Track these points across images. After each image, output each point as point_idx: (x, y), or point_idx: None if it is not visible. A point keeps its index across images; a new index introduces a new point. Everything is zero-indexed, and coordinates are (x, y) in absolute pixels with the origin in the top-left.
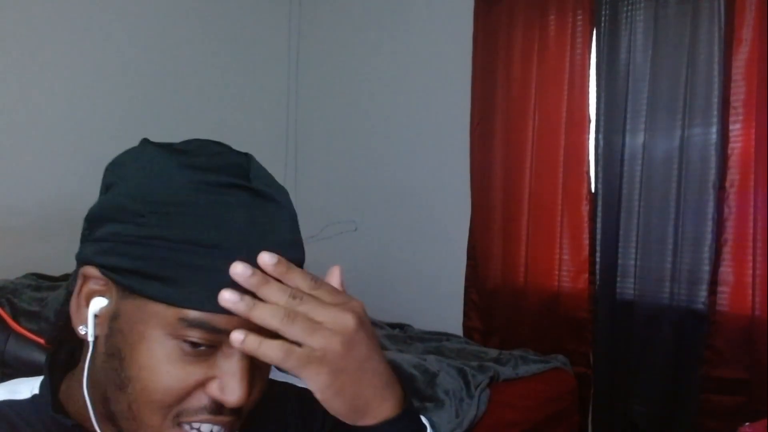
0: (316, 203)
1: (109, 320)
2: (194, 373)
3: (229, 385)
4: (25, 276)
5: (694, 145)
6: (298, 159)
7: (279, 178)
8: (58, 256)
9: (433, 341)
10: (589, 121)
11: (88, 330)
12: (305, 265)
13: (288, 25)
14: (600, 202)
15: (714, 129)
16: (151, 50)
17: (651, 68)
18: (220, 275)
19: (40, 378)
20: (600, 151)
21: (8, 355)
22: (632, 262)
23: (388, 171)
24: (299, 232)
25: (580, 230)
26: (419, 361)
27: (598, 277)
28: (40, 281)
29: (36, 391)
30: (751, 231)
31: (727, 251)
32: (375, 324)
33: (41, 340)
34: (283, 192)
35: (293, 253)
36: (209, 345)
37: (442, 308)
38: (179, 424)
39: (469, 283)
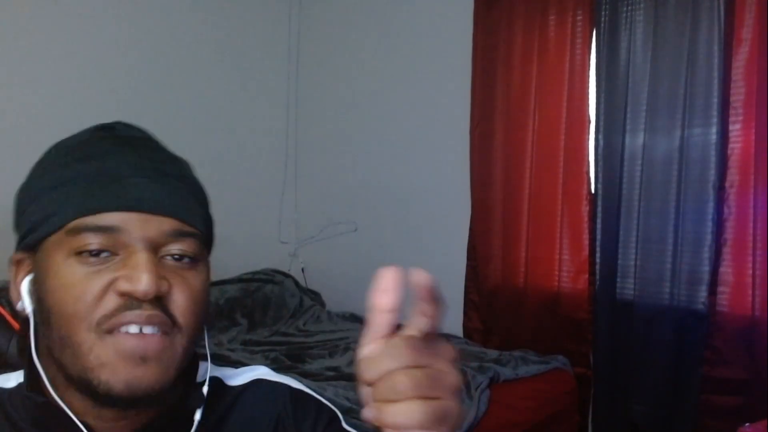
0: (316, 204)
1: (33, 286)
2: (100, 278)
3: (134, 275)
4: None
5: (694, 146)
6: (298, 159)
7: (279, 179)
8: None
9: None
10: (589, 121)
11: (24, 305)
12: (306, 267)
13: (288, 25)
14: (600, 203)
15: (714, 129)
16: (150, 50)
17: (651, 68)
18: (85, 183)
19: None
20: (600, 151)
21: (11, 357)
22: (632, 263)
23: (388, 171)
24: (183, 170)
25: (580, 230)
26: None
27: (598, 277)
28: None
29: (21, 379)
30: (751, 231)
31: (727, 251)
32: None
33: None
34: (149, 136)
35: (158, 182)
36: (107, 250)
37: None
38: (109, 332)
39: (469, 284)
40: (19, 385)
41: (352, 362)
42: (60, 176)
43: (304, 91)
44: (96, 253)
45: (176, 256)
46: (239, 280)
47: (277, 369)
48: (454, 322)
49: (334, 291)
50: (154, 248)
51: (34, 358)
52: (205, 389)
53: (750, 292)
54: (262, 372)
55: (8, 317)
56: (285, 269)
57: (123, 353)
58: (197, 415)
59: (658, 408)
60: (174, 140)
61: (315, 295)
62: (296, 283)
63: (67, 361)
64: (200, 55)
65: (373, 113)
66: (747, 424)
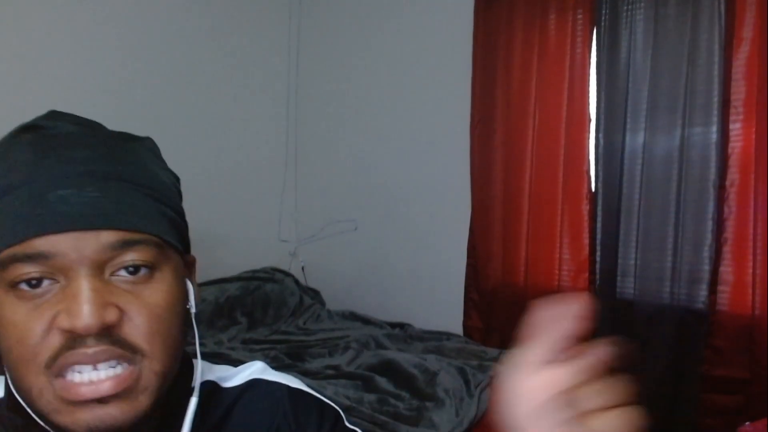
0: (316, 203)
1: None
2: (41, 316)
3: (73, 308)
4: None
5: (695, 145)
6: (298, 159)
7: (279, 178)
8: None
9: (433, 340)
10: (589, 121)
11: None
12: (306, 266)
13: (288, 25)
14: (600, 202)
15: (714, 128)
16: (150, 50)
17: (651, 67)
18: (8, 205)
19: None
20: (600, 150)
21: None
22: (632, 262)
23: (388, 170)
24: (115, 165)
25: (580, 230)
26: (419, 360)
27: (598, 276)
28: None
29: (1, 393)
30: (751, 230)
31: (727, 251)
32: (375, 323)
33: None
34: (86, 127)
35: (91, 184)
36: (44, 278)
37: (442, 308)
38: (58, 375)
39: (470, 283)
40: (1, 400)
41: (352, 361)
42: None
43: (304, 91)
44: (35, 283)
45: (130, 269)
46: (239, 278)
47: (277, 368)
48: (454, 320)
49: (334, 290)
50: (99, 267)
51: (14, 393)
52: (193, 400)
53: (750, 291)
54: (258, 369)
55: None
56: (285, 268)
57: (75, 400)
58: (185, 427)
59: (658, 408)
60: (174, 140)
61: (315, 294)
62: (296, 281)
63: (27, 402)
64: (200, 55)
65: (373, 113)
66: (747, 423)
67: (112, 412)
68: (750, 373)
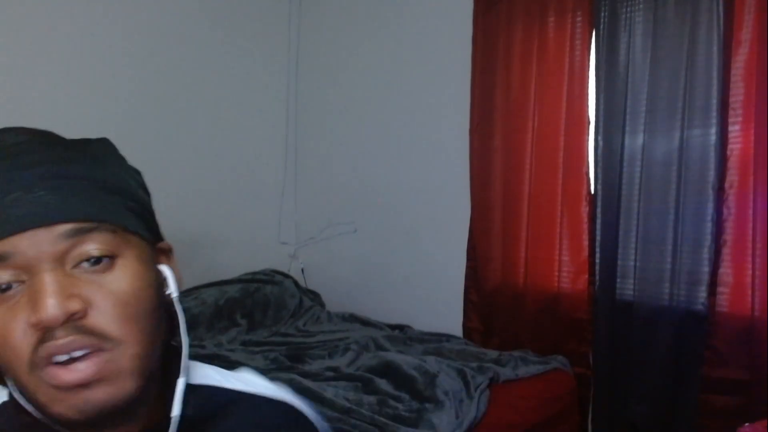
0: (316, 205)
1: None
2: (14, 318)
3: (37, 302)
4: None
5: (694, 146)
6: (298, 160)
7: (279, 179)
8: None
9: (433, 342)
10: (589, 122)
11: None
12: (306, 268)
13: (288, 25)
14: (599, 203)
15: (713, 130)
16: (150, 50)
17: (650, 69)
18: None
19: None
20: (599, 152)
21: None
22: (632, 263)
23: (388, 172)
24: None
25: (579, 231)
26: (419, 362)
27: (597, 278)
28: None
29: (5, 398)
30: (750, 232)
31: (727, 252)
32: (375, 325)
33: None
34: (32, 137)
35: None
36: (11, 281)
37: (442, 309)
38: (42, 369)
39: (469, 284)
40: (4, 404)
41: (351, 363)
42: None
43: (304, 91)
44: (5, 287)
45: (92, 260)
46: (239, 280)
47: (277, 369)
48: (453, 322)
49: (333, 291)
50: (59, 261)
51: (14, 393)
52: (178, 395)
53: (749, 292)
54: (251, 382)
55: None
56: (285, 270)
57: (59, 387)
58: (175, 406)
59: (657, 408)
60: (174, 141)
61: (315, 296)
62: (296, 283)
63: (29, 399)
64: (200, 56)
65: (373, 113)
66: (746, 425)
67: (98, 395)
68: (749, 375)
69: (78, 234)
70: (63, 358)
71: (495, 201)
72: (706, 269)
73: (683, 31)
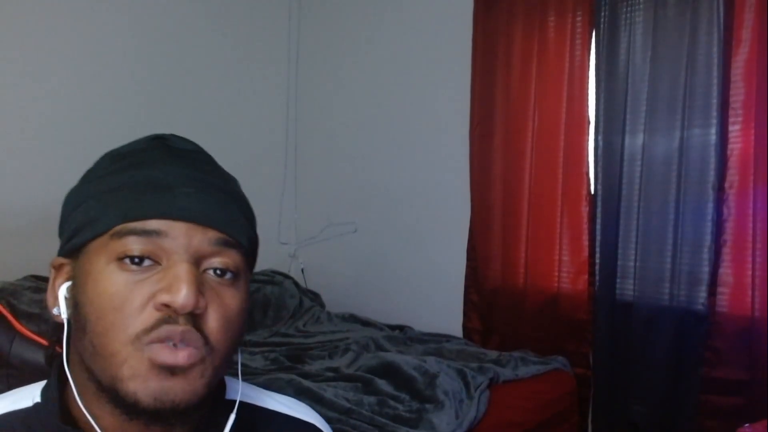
0: (316, 205)
1: (70, 292)
2: (141, 289)
3: (174, 285)
4: (25, 278)
5: (694, 146)
6: (298, 160)
7: (279, 179)
8: None
9: (433, 342)
10: (589, 122)
11: (60, 311)
12: (306, 268)
13: (288, 25)
14: (599, 203)
15: (713, 130)
16: (150, 50)
17: (650, 69)
18: (133, 190)
19: (41, 384)
20: (599, 151)
21: (14, 357)
22: (632, 263)
23: (388, 172)
24: (229, 184)
25: (579, 231)
26: (419, 362)
27: (597, 278)
28: (40, 283)
29: (38, 398)
30: (750, 232)
31: (727, 252)
32: (375, 326)
33: (46, 342)
34: (201, 149)
35: (208, 185)
36: (150, 258)
37: (442, 309)
38: (147, 345)
39: (469, 284)
40: (36, 406)
41: (351, 363)
42: (108, 183)
43: (304, 91)
44: (138, 261)
45: (218, 271)
46: None
47: (277, 369)
48: (453, 322)
49: (333, 292)
50: (197, 260)
51: (65, 367)
52: (235, 407)
53: (749, 292)
54: (282, 402)
55: (12, 319)
56: (285, 270)
57: (155, 364)
58: None
59: (657, 408)
60: None
61: (315, 296)
62: (296, 284)
63: (97, 369)
64: (200, 55)
65: (372, 114)
66: (746, 425)
67: (177, 387)
68: (749, 375)
69: (223, 245)
70: (170, 344)
71: (495, 201)
72: (706, 269)
73: (683, 31)
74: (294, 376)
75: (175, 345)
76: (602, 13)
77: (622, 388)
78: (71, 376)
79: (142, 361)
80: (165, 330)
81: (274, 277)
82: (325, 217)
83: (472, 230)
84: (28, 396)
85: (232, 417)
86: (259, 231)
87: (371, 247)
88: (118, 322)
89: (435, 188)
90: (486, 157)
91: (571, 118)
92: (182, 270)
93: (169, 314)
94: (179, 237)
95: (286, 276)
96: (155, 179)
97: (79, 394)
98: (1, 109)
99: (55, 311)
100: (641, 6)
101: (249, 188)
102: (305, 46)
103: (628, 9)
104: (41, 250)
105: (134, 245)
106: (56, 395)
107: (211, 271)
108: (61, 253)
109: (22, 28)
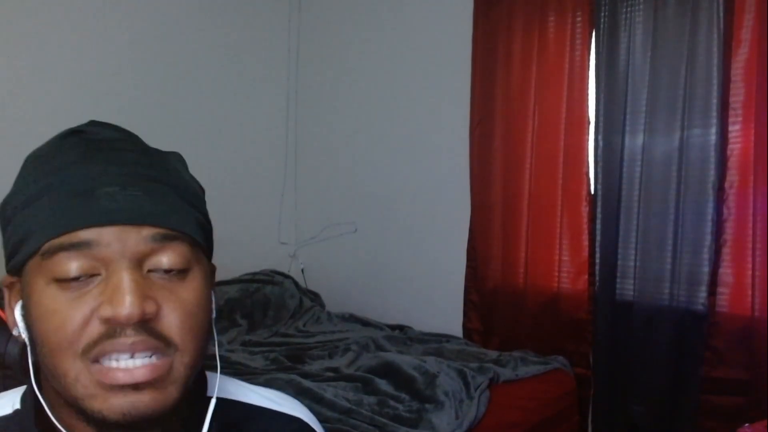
0: (316, 205)
1: (23, 310)
2: (82, 305)
3: (115, 297)
4: None
5: (694, 146)
6: (298, 160)
7: (279, 180)
8: None
9: (433, 342)
10: (589, 122)
11: (20, 331)
12: (306, 268)
13: (288, 25)
14: (599, 203)
15: (713, 130)
16: (150, 50)
17: (650, 69)
18: (55, 200)
19: (22, 390)
20: (599, 152)
21: (9, 357)
22: (632, 263)
23: (388, 172)
24: (157, 172)
25: (579, 231)
26: (419, 362)
27: (597, 278)
28: None
29: (17, 405)
30: (750, 232)
31: (727, 252)
32: (375, 325)
33: None
34: (126, 135)
35: (134, 185)
36: (87, 273)
37: (442, 309)
38: (95, 361)
39: (469, 284)
40: (16, 412)
41: (351, 363)
42: (30, 192)
43: (304, 91)
44: (75, 278)
45: (164, 269)
46: (239, 281)
47: (277, 369)
48: (453, 322)
49: (333, 292)
50: (138, 262)
51: (33, 385)
52: (211, 405)
53: (749, 292)
54: (266, 396)
55: (4, 317)
56: (285, 270)
57: (111, 385)
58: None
59: (657, 408)
60: (173, 141)
61: (315, 296)
62: (296, 283)
63: (59, 389)
64: (200, 55)
65: (373, 114)
66: (746, 425)
67: (145, 399)
68: (749, 375)
69: (163, 240)
70: (124, 359)
71: (495, 201)
72: (706, 269)
73: (683, 31)
74: (294, 376)
75: (132, 356)
76: (602, 13)
77: (622, 388)
78: (42, 391)
79: (94, 381)
80: (113, 345)
81: (274, 277)
82: (325, 217)
83: (472, 230)
84: (8, 403)
85: (209, 416)
86: (259, 231)
87: (371, 247)
88: (63, 341)
89: (435, 188)
90: (486, 157)
91: (571, 118)
92: (122, 279)
93: (115, 328)
94: (112, 243)
95: (286, 276)
96: (75, 182)
97: (51, 408)
98: (0, 109)
99: (14, 332)
100: (641, 6)
101: (249, 188)
102: (305, 46)
103: (628, 9)
104: None
105: (67, 264)
106: (32, 404)
107: (156, 272)
108: (7, 270)
109: (22, 28)
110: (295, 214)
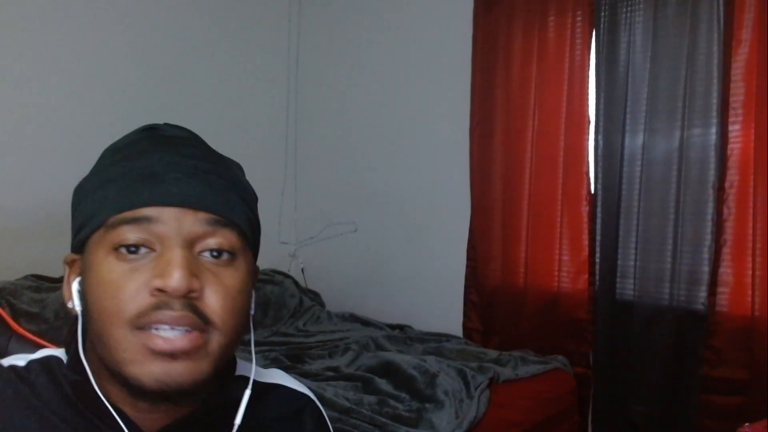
0: (316, 204)
1: (81, 285)
2: (136, 276)
3: (166, 270)
4: (25, 277)
5: (694, 146)
6: (298, 160)
7: (279, 179)
8: (58, 257)
9: (433, 342)
10: (589, 122)
11: (75, 304)
12: (306, 267)
13: (288, 25)
14: (600, 203)
15: (713, 130)
16: (150, 50)
17: (650, 69)
18: (124, 182)
19: (36, 352)
20: (599, 151)
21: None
22: (632, 263)
23: (388, 172)
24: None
25: (579, 231)
26: (419, 362)
27: (597, 277)
28: (40, 282)
29: (32, 357)
30: (750, 231)
31: (727, 252)
32: (375, 325)
33: (43, 342)
34: (194, 136)
35: (198, 176)
36: (144, 245)
37: (442, 309)
38: (140, 329)
39: (469, 284)
40: (50, 357)
41: (351, 362)
42: (103, 177)
43: (304, 91)
44: (134, 250)
45: (214, 253)
46: None
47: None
48: (454, 322)
49: (333, 291)
50: (190, 243)
51: (80, 352)
52: (247, 392)
53: (749, 292)
54: (279, 377)
55: (8, 318)
56: (285, 269)
57: (151, 351)
58: (239, 417)
59: (657, 408)
60: None
61: (315, 296)
62: (296, 283)
63: (104, 356)
64: (200, 55)
65: (373, 113)
66: (747, 424)
67: (179, 368)
68: (749, 374)
69: (215, 224)
70: (166, 329)
71: (495, 201)
72: (706, 269)
73: (683, 31)
74: (294, 376)
75: (172, 328)
76: (602, 13)
77: (622, 387)
78: (87, 364)
79: (138, 346)
80: (159, 315)
81: (274, 277)
82: (325, 217)
83: (472, 230)
84: (22, 359)
85: (248, 393)
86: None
87: (371, 247)
88: (115, 309)
89: (435, 188)
90: (486, 157)
91: (571, 117)
92: (174, 254)
93: (164, 300)
94: (170, 221)
95: (286, 275)
96: (145, 169)
97: (95, 377)
98: (1, 109)
99: (69, 305)
100: (641, 6)
101: None
102: (305, 45)
103: (628, 9)
104: (41, 249)
105: (127, 234)
106: (55, 356)
107: (207, 253)
108: (72, 248)
109: (21, 28)
110: (295, 213)
